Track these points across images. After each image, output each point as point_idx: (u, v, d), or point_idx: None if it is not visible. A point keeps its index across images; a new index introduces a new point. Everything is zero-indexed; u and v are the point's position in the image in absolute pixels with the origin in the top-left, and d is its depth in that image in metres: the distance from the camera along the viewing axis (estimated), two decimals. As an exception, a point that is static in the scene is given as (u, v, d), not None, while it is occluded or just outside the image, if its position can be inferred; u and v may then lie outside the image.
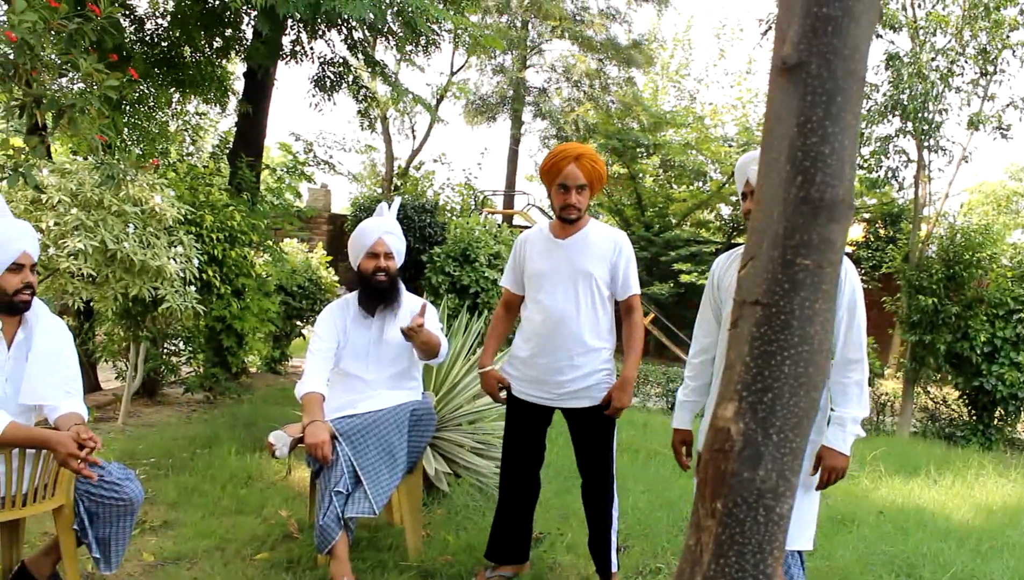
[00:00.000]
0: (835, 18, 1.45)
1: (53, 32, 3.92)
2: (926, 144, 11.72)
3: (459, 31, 9.30)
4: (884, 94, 11.71)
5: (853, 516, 5.21)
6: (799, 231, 1.47)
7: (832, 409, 2.68)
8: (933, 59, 11.57)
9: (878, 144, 11.98)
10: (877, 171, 12.10)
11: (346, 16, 6.93)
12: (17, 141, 4.77)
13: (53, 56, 4.09)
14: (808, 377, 1.49)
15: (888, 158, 12.00)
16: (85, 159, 5.77)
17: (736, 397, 1.50)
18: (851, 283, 2.66)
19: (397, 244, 3.75)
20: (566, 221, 3.43)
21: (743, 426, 1.49)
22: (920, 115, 11.22)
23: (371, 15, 6.77)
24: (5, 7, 4.32)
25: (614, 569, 3.49)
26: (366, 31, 8.64)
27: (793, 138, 1.48)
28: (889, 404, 12.38)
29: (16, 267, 2.90)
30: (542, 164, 3.44)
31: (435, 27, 8.20)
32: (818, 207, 1.46)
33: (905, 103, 11.25)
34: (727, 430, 1.50)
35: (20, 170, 3.74)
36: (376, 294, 3.68)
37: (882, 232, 18.95)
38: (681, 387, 3.12)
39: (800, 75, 1.47)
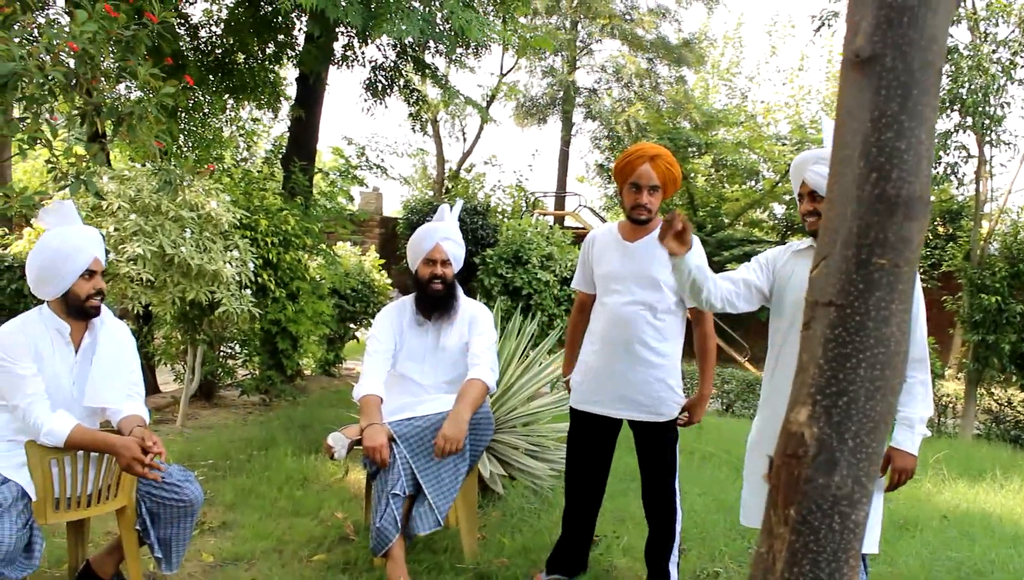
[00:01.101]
0: (911, 7, 1.40)
1: (112, 41, 3.98)
2: (987, 139, 11.42)
3: (508, 31, 9.30)
4: (943, 88, 11.42)
5: (916, 520, 5.07)
6: (874, 229, 1.42)
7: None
8: (994, 51, 11.26)
9: (937, 140, 11.69)
10: (936, 167, 11.82)
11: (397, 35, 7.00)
12: (79, 149, 4.86)
13: (112, 64, 4.16)
14: (884, 380, 1.44)
15: (947, 154, 11.72)
16: (143, 166, 5.87)
17: (810, 401, 1.46)
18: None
19: (455, 250, 3.71)
20: (636, 222, 3.32)
21: (817, 431, 1.44)
22: (980, 109, 10.93)
23: (420, 31, 6.80)
24: (67, 19, 4.41)
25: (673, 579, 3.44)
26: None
27: (867, 134, 1.42)
28: (951, 406, 12.08)
29: (88, 274, 2.95)
30: (616, 162, 3.36)
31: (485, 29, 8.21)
32: (894, 204, 1.40)
33: (964, 97, 10.97)
34: (801, 435, 1.45)
35: (82, 177, 3.80)
36: (432, 301, 3.65)
37: (941, 229, 18.52)
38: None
39: (874, 68, 1.42)
